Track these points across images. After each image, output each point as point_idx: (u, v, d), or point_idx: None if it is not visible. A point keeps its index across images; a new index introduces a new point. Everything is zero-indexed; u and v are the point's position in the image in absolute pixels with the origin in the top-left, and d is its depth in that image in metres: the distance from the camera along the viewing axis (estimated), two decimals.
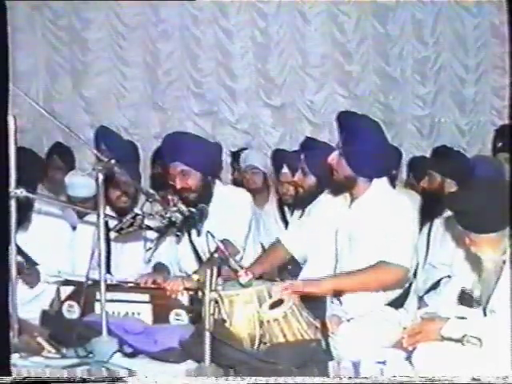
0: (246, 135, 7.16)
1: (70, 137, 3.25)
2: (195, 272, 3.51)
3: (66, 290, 3.45)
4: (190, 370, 2.91)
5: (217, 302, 2.77)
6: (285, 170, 4.56)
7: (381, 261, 3.14)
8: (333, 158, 3.32)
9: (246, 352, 2.95)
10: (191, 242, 3.79)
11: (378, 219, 3.21)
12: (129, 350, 3.12)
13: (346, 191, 3.35)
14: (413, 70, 7.25)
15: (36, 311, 3.43)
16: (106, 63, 7.06)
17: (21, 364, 2.90)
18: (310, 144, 4.22)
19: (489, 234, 2.79)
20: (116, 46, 7.06)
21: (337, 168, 3.30)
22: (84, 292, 3.17)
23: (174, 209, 3.21)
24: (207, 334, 2.71)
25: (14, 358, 2.87)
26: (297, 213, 4.25)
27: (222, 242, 3.15)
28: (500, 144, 5.27)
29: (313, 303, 3.20)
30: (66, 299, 3.43)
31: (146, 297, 3.38)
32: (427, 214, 4.09)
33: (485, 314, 2.86)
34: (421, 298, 3.68)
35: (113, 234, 3.68)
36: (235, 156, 5.77)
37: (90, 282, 3.17)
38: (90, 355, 3.01)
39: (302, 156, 4.04)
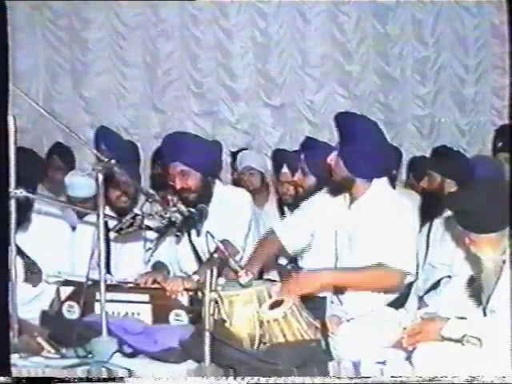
0: (246, 135, 7.16)
1: (70, 137, 3.24)
2: (195, 272, 3.51)
3: (66, 291, 3.45)
4: (190, 370, 2.91)
5: (217, 302, 2.77)
6: (285, 169, 4.56)
7: (381, 263, 3.14)
8: (331, 158, 3.32)
9: (245, 352, 2.95)
10: (191, 242, 3.78)
11: (378, 220, 3.21)
12: (129, 350, 3.12)
13: (345, 192, 3.34)
14: (413, 70, 7.25)
15: (36, 311, 3.43)
16: (106, 63, 7.06)
17: (21, 364, 2.90)
18: (310, 144, 4.22)
19: (489, 234, 2.79)
20: (116, 46, 7.06)
21: (335, 169, 3.31)
22: (84, 292, 3.17)
23: (174, 209, 3.21)
24: (207, 334, 2.70)
25: (14, 358, 2.87)
26: None
27: (221, 242, 3.15)
28: (500, 144, 5.27)
29: (313, 303, 3.20)
30: (66, 299, 3.43)
31: (145, 297, 3.38)
32: (427, 214, 4.09)
33: (485, 314, 2.86)
34: (421, 298, 3.68)
35: (112, 234, 3.67)
36: (235, 156, 5.76)
37: (89, 282, 3.17)
38: (90, 355, 3.01)
39: (302, 156, 4.04)
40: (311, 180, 3.98)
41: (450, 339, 2.81)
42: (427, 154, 5.07)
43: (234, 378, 2.73)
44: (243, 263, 3.42)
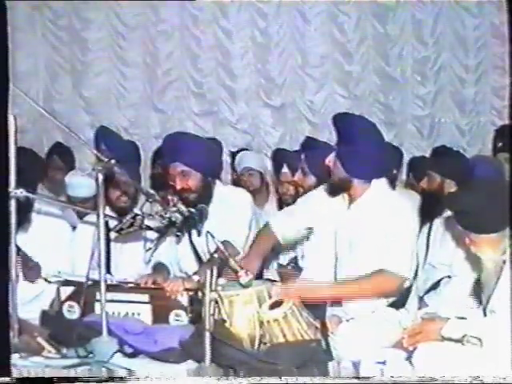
0: (246, 135, 7.15)
1: (70, 137, 3.25)
2: (195, 272, 3.51)
3: (66, 291, 3.45)
4: (190, 370, 2.91)
5: (217, 302, 2.77)
6: (285, 169, 4.57)
7: (380, 269, 3.14)
8: (329, 159, 3.32)
9: (246, 352, 2.95)
10: (191, 242, 3.78)
11: (377, 221, 3.21)
12: (129, 350, 3.13)
13: (343, 192, 3.34)
14: (413, 70, 7.24)
15: (36, 311, 3.43)
16: (106, 63, 7.06)
17: (21, 364, 2.90)
18: (310, 144, 4.22)
19: (489, 235, 2.78)
20: (116, 46, 7.05)
21: (333, 169, 3.31)
22: (84, 292, 3.17)
23: (174, 209, 3.21)
24: (207, 334, 2.71)
25: (14, 358, 2.87)
26: None
27: (222, 242, 3.15)
28: (500, 144, 5.27)
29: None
30: (66, 299, 3.43)
31: (145, 297, 3.38)
32: (427, 214, 4.08)
33: (485, 314, 2.86)
34: (421, 299, 3.68)
35: (113, 234, 3.67)
36: (235, 156, 5.76)
37: (90, 282, 3.18)
38: (90, 355, 3.02)
39: (303, 156, 4.04)
40: (311, 180, 3.98)
41: (450, 339, 2.81)
42: (427, 154, 5.07)
43: (234, 378, 2.73)
44: (243, 260, 3.42)
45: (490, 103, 7.23)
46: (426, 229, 4.13)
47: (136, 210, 3.48)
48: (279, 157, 4.90)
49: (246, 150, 5.87)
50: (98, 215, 3.03)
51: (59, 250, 3.82)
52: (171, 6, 7.00)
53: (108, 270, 3.63)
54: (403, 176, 5.50)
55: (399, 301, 3.32)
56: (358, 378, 2.79)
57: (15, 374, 2.71)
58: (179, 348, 3.06)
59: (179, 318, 3.30)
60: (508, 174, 3.96)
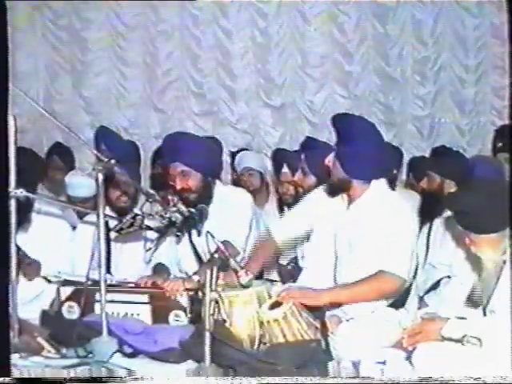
0: (246, 135, 7.15)
1: (70, 137, 3.26)
2: (195, 272, 3.51)
3: (66, 291, 3.45)
4: (190, 370, 2.91)
5: (217, 302, 2.77)
6: (285, 169, 4.56)
7: (380, 270, 3.14)
8: (329, 160, 3.32)
9: (246, 352, 2.95)
10: (191, 242, 3.78)
11: (377, 222, 3.21)
12: (129, 350, 3.13)
13: (342, 193, 3.34)
14: (413, 70, 7.24)
15: (36, 311, 3.44)
16: (106, 63, 7.05)
17: (21, 364, 2.91)
18: (310, 144, 4.21)
19: (489, 235, 2.78)
20: (116, 46, 7.05)
21: (332, 170, 3.31)
22: (84, 293, 3.17)
23: (174, 209, 3.21)
24: (207, 335, 2.70)
25: (14, 358, 2.87)
26: None
27: (222, 242, 3.15)
28: (500, 144, 5.27)
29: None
30: (66, 300, 3.43)
31: (144, 298, 3.37)
32: (427, 214, 4.09)
33: (485, 314, 2.86)
34: (421, 299, 3.68)
35: (113, 234, 3.68)
36: (235, 156, 5.76)
37: (90, 282, 3.18)
38: (90, 355, 3.02)
39: (303, 156, 4.04)
40: (311, 180, 3.97)
41: (450, 339, 2.81)
42: (427, 155, 5.07)
43: (234, 378, 2.73)
44: (243, 264, 3.42)
45: (490, 103, 7.23)
46: (425, 229, 4.14)
47: (136, 210, 3.49)
48: (279, 157, 4.90)
49: (246, 149, 5.87)
50: (98, 215, 3.03)
51: (59, 250, 3.82)
52: (171, 5, 7.00)
53: (108, 270, 3.63)
54: (403, 176, 5.50)
55: (399, 301, 3.32)
56: (358, 377, 2.79)
57: (15, 373, 2.71)
58: (179, 348, 3.06)
59: (179, 319, 3.30)
60: (508, 173, 3.96)
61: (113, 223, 3.33)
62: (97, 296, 3.22)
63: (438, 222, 4.09)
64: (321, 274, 3.33)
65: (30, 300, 3.55)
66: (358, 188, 3.30)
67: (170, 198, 3.64)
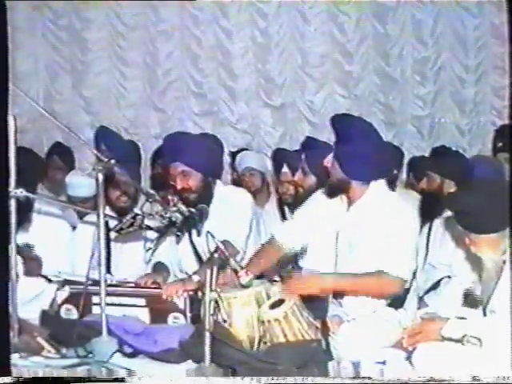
0: (246, 135, 7.15)
1: (70, 137, 3.26)
2: (195, 272, 3.51)
3: (62, 295, 3.45)
4: (190, 370, 2.91)
5: (217, 302, 2.77)
6: (285, 169, 4.56)
7: (380, 271, 3.14)
8: (328, 160, 3.32)
9: (245, 352, 2.95)
10: (192, 242, 3.78)
11: (377, 223, 3.20)
12: (129, 350, 3.13)
13: (342, 194, 3.34)
14: (413, 70, 7.24)
15: (36, 311, 3.43)
16: (106, 63, 7.06)
17: (21, 364, 2.90)
18: (310, 144, 4.21)
19: (489, 235, 2.78)
20: (116, 46, 7.05)
21: (331, 171, 3.31)
22: (84, 293, 3.17)
23: (174, 209, 3.21)
24: (207, 335, 2.70)
25: (14, 358, 2.87)
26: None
27: (222, 242, 3.15)
28: (500, 144, 5.27)
29: (313, 303, 3.19)
30: (63, 303, 3.42)
31: (142, 301, 3.37)
32: (427, 214, 4.08)
33: (485, 314, 2.86)
34: (421, 299, 3.68)
35: (113, 234, 3.68)
36: (235, 156, 5.76)
37: (90, 282, 3.18)
38: (90, 355, 3.02)
39: (303, 156, 4.04)
40: (311, 180, 3.97)
41: (450, 339, 2.81)
42: (427, 155, 5.06)
43: (234, 378, 2.73)
44: (244, 264, 3.42)
45: (490, 103, 7.23)
46: (425, 229, 4.13)
47: (136, 210, 3.48)
48: (279, 157, 4.90)
49: (246, 149, 5.87)
50: (98, 215, 3.03)
51: (59, 250, 3.82)
52: (171, 5, 7.00)
53: (108, 270, 3.63)
54: (404, 176, 5.50)
55: (399, 301, 3.31)
56: (358, 377, 2.79)
57: (15, 373, 2.71)
58: (179, 348, 3.06)
59: (177, 321, 3.30)
60: (508, 173, 3.96)
61: (113, 223, 3.33)
62: (94, 299, 3.23)
63: (437, 222, 4.09)
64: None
65: (30, 300, 3.54)
66: (357, 189, 3.29)
67: (170, 197, 3.64)
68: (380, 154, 3.29)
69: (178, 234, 3.49)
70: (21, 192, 2.90)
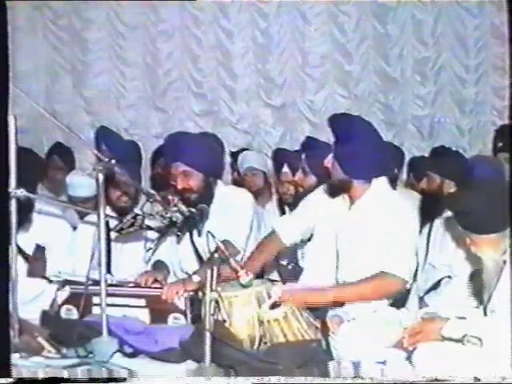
0: (247, 135, 7.15)
1: (71, 137, 3.26)
2: (195, 272, 3.51)
3: (63, 295, 3.45)
4: (190, 370, 2.91)
5: (217, 302, 2.77)
6: (285, 169, 4.56)
7: (381, 271, 3.14)
8: (328, 161, 3.32)
9: (246, 352, 2.95)
10: (192, 242, 3.78)
11: (378, 222, 3.21)
12: (129, 350, 3.13)
13: (343, 193, 3.34)
14: (413, 70, 7.24)
15: (36, 311, 3.43)
16: (107, 63, 7.06)
17: (21, 364, 2.91)
18: (310, 144, 4.21)
19: (489, 235, 2.78)
20: (116, 46, 7.05)
21: (332, 171, 3.31)
22: (84, 293, 3.17)
23: (175, 209, 3.21)
24: (207, 334, 2.71)
25: (15, 358, 2.88)
26: None
27: (222, 242, 3.15)
28: (500, 144, 5.27)
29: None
30: (63, 304, 3.42)
31: (142, 302, 3.37)
32: (427, 215, 4.08)
33: (485, 314, 2.86)
34: (421, 299, 3.68)
35: (113, 234, 3.68)
36: (235, 156, 5.76)
37: (90, 282, 3.18)
38: (91, 355, 3.02)
39: (303, 156, 4.04)
40: (312, 180, 3.97)
41: (450, 339, 2.81)
42: (427, 155, 5.06)
43: (235, 378, 2.73)
44: (245, 259, 3.42)
45: (490, 103, 7.22)
46: (426, 229, 4.13)
47: (136, 210, 3.49)
48: (279, 157, 4.90)
49: (247, 149, 5.87)
50: (99, 215, 3.03)
51: (60, 250, 3.82)
52: (171, 5, 7.00)
53: (108, 270, 3.63)
54: (404, 176, 5.50)
55: (399, 301, 3.31)
56: (358, 378, 2.79)
57: (15, 374, 2.71)
58: (179, 348, 3.06)
59: (177, 322, 3.30)
60: (508, 173, 3.96)
61: (113, 223, 3.33)
62: (94, 299, 3.23)
63: (438, 223, 4.08)
64: (322, 274, 3.33)
65: (31, 300, 3.55)
66: (358, 188, 3.29)
67: (170, 197, 3.64)
68: (379, 153, 3.29)
69: (179, 234, 3.49)
70: (21, 192, 2.90)
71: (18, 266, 3.04)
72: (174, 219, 3.18)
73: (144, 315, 3.36)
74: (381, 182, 3.32)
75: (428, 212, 4.09)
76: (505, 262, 2.81)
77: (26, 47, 6.70)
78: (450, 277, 3.73)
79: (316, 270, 3.38)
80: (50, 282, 3.65)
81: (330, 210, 3.38)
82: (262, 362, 2.89)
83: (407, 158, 5.56)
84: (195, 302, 3.28)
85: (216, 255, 2.97)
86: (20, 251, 3.31)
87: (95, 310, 3.26)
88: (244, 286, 3.16)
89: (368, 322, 3.14)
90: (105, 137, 4.35)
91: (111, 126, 5.20)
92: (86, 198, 4.44)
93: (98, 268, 3.04)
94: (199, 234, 3.68)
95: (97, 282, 3.08)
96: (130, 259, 3.95)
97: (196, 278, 3.39)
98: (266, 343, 3.02)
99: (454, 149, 4.55)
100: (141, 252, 3.98)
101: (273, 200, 4.97)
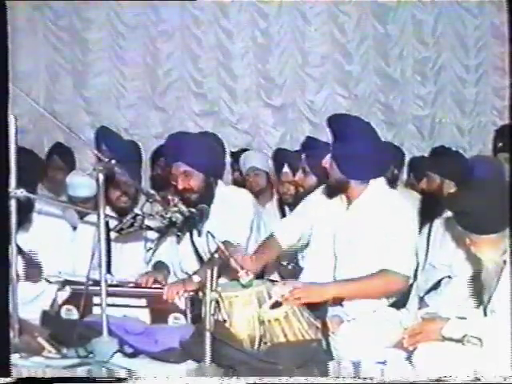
0: (247, 135, 7.16)
1: (71, 137, 3.26)
2: (195, 272, 3.51)
3: (63, 295, 3.45)
4: (190, 370, 2.91)
5: (217, 302, 2.77)
6: (286, 169, 4.56)
7: (383, 269, 3.14)
8: (326, 161, 3.32)
9: (246, 352, 2.95)
10: (192, 242, 3.78)
11: (376, 221, 3.20)
12: (129, 350, 3.12)
13: (341, 194, 3.34)
14: (413, 70, 7.24)
15: (36, 311, 3.43)
16: (107, 63, 7.06)
17: (21, 364, 2.91)
18: (311, 144, 4.21)
19: (489, 235, 2.78)
20: (116, 46, 7.06)
21: (330, 171, 3.31)
22: (84, 293, 3.17)
23: (175, 209, 3.21)
24: (207, 334, 2.71)
25: (15, 358, 2.88)
26: None
27: (222, 242, 3.15)
28: (500, 144, 5.27)
29: (314, 303, 3.19)
30: (63, 304, 3.43)
31: (143, 302, 3.37)
32: (427, 215, 4.08)
33: (485, 314, 2.86)
34: (421, 299, 3.68)
35: (113, 234, 3.67)
36: (235, 156, 5.76)
37: (90, 282, 3.18)
38: (91, 355, 3.02)
39: (303, 156, 4.04)
40: (312, 180, 3.97)
41: (450, 339, 2.81)
42: (427, 155, 5.06)
43: (235, 378, 2.73)
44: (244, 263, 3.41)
45: (490, 103, 7.23)
46: (426, 229, 4.13)
47: (136, 210, 3.49)
48: (280, 157, 4.90)
49: (247, 149, 5.87)
50: (99, 215, 3.03)
51: (60, 250, 3.82)
52: (172, 5, 7.01)
53: (108, 270, 3.63)
54: (404, 176, 5.50)
55: (400, 301, 3.31)
56: (358, 378, 2.79)
57: (15, 373, 2.71)
58: (179, 348, 3.06)
59: (178, 322, 3.30)
60: (508, 173, 3.96)
61: (113, 223, 3.33)
62: (94, 300, 3.23)
63: (438, 223, 4.08)
64: (321, 274, 3.33)
65: (31, 300, 3.55)
66: (356, 188, 3.29)
67: (170, 197, 3.64)
68: (378, 153, 3.29)
69: (179, 234, 3.49)
70: (21, 192, 2.90)
71: (18, 266, 3.04)
72: (174, 219, 3.18)
73: (144, 315, 3.36)
74: (378, 183, 3.32)
75: (428, 212, 4.09)
76: (505, 262, 2.81)
77: (26, 47, 6.70)
78: (450, 277, 3.73)
79: (316, 269, 3.38)
80: (50, 282, 3.65)
81: (327, 210, 3.38)
82: (263, 361, 2.89)
83: (407, 158, 5.56)
84: (195, 302, 3.28)
85: (216, 255, 2.97)
86: (20, 251, 3.30)
87: (95, 310, 3.26)
88: (244, 286, 3.16)
89: (368, 322, 3.14)
90: (105, 137, 4.34)
91: (111, 126, 5.20)
92: (86, 198, 4.44)
93: (98, 268, 3.04)
94: (199, 235, 3.68)
95: (97, 282, 3.08)
96: (130, 259, 3.95)
97: (196, 278, 3.39)
98: (266, 343, 3.02)
99: (454, 149, 4.55)
100: (141, 252, 3.98)
101: (273, 200, 4.96)
